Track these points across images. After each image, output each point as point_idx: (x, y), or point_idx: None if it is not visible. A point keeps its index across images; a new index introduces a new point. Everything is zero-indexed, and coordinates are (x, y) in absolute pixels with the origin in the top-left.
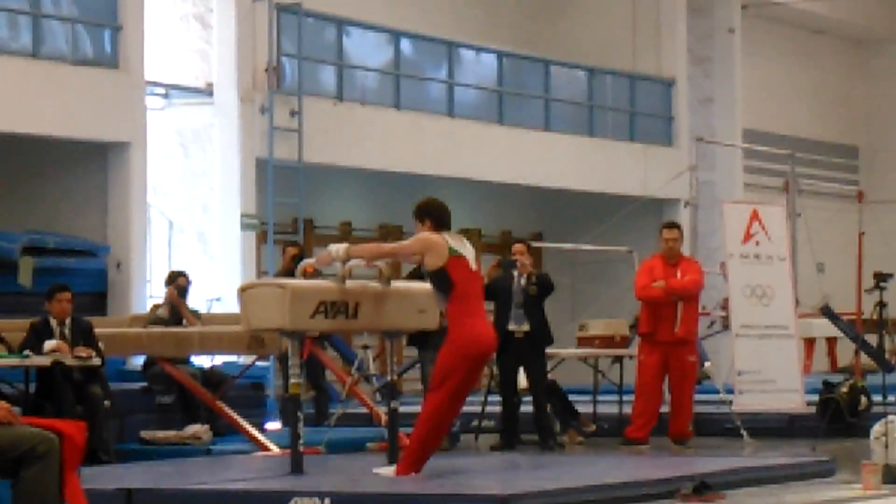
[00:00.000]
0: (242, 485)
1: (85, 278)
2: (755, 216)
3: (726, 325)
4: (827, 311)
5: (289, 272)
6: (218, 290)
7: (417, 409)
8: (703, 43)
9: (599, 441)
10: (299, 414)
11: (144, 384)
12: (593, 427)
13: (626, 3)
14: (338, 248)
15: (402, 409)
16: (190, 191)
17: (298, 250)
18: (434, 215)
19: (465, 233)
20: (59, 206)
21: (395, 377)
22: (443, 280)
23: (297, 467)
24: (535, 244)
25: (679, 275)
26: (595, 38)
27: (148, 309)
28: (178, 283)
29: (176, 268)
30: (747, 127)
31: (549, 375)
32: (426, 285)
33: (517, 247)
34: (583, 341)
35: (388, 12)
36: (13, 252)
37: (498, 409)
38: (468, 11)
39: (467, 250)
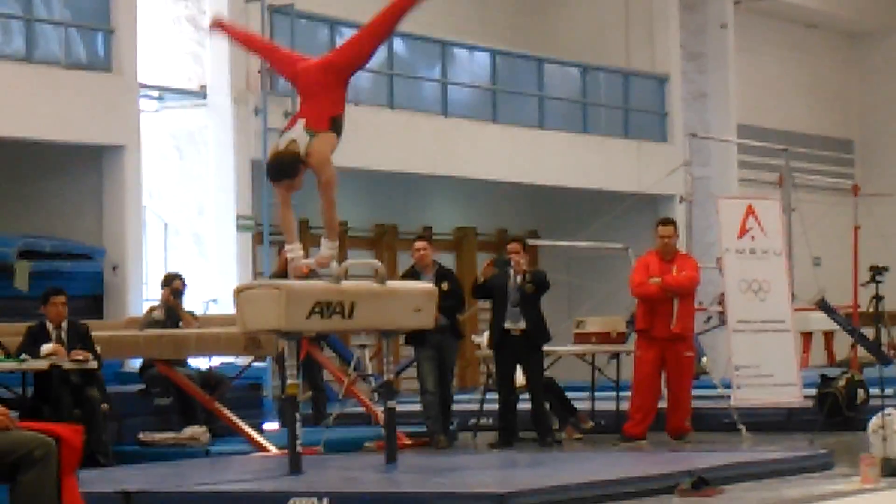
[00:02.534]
0: (241, 486)
1: (81, 281)
2: (750, 211)
3: (723, 321)
4: (823, 305)
5: (284, 273)
6: (214, 291)
7: (415, 407)
8: (696, 38)
9: (597, 437)
10: (297, 414)
11: (142, 386)
12: (591, 423)
13: (618, 0)
14: (327, 250)
15: (399, 407)
16: (185, 193)
17: None
18: None
19: (461, 231)
20: (55, 210)
21: (392, 376)
22: None
23: (295, 467)
24: (531, 242)
25: (675, 271)
26: (588, 34)
27: (144, 311)
28: (173, 285)
29: (172, 270)
30: (741, 122)
31: (547, 372)
32: (422, 284)
33: (512, 245)
34: (579, 338)
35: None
36: (9, 256)
37: (496, 406)
38: (461, 10)
39: None
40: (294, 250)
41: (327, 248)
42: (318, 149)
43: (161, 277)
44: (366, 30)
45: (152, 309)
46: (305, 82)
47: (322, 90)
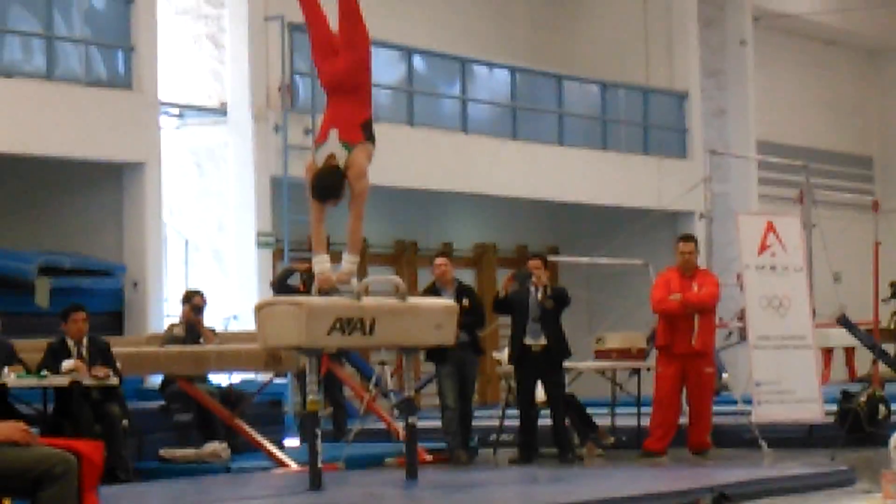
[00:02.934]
0: (261, 502)
1: (101, 298)
2: (770, 227)
3: (743, 337)
4: (844, 321)
5: (281, 280)
6: (234, 307)
7: (435, 423)
8: (716, 55)
9: (618, 453)
10: (317, 430)
11: (162, 403)
12: (612, 439)
13: (638, 17)
14: (348, 265)
15: (419, 424)
16: (205, 209)
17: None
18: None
19: (481, 247)
20: (75, 227)
21: (413, 393)
22: None
23: (315, 484)
24: (551, 258)
25: (695, 287)
26: (607, 52)
27: (164, 328)
28: (193, 302)
29: (192, 286)
30: (761, 138)
31: (567, 388)
32: (442, 300)
33: (533, 262)
34: (600, 354)
35: (401, 29)
36: (29, 273)
37: (516, 422)
38: (480, 27)
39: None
40: (322, 262)
41: (348, 262)
42: (357, 160)
43: (181, 294)
44: (343, 15)
45: (173, 325)
46: (332, 81)
47: (350, 89)
